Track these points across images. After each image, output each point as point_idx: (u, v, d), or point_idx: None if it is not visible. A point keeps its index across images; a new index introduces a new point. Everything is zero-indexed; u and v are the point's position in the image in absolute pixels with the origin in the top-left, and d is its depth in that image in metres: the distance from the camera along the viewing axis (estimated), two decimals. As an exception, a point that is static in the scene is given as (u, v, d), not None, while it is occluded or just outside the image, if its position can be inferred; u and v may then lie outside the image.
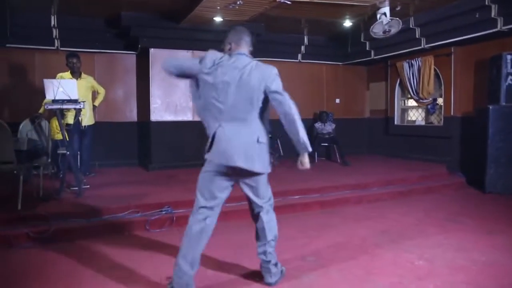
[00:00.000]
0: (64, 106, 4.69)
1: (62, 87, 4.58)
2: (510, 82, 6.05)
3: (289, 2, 5.28)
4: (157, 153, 7.32)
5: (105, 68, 7.65)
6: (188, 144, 7.50)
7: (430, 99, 7.95)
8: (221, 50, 2.69)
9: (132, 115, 7.94)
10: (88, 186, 5.27)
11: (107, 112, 7.56)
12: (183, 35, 7.20)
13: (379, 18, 6.42)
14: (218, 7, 5.79)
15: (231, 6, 5.54)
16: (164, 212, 4.32)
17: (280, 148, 8.27)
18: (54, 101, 4.58)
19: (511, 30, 6.01)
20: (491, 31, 6.15)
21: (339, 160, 8.10)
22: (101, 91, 6.03)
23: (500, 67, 6.06)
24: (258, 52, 8.69)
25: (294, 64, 8.91)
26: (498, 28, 6.04)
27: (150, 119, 7.30)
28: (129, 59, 7.84)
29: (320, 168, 7.42)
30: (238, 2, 5.34)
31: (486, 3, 5.92)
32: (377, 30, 6.51)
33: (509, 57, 6.02)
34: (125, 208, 4.35)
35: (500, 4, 5.88)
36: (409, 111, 8.87)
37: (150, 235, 4.03)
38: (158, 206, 4.46)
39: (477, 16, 6.15)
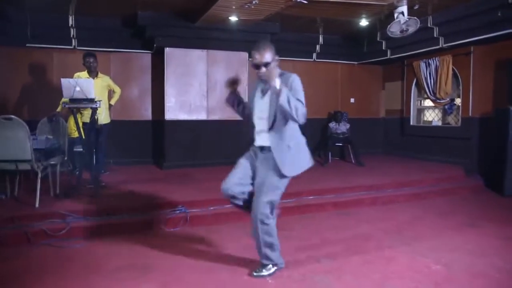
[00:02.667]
0: (81, 105, 4.75)
1: (79, 87, 4.63)
2: (532, 82, 5.88)
3: (305, 1, 5.23)
4: (171, 151, 7.36)
5: (121, 67, 7.72)
6: (202, 143, 7.53)
7: (448, 99, 7.80)
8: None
9: (147, 113, 8.00)
10: (104, 184, 5.33)
11: (123, 110, 7.62)
12: (198, 34, 7.21)
13: (397, 17, 6.31)
14: (234, 7, 5.77)
15: (246, 6, 5.52)
16: (178, 212, 4.34)
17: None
18: (72, 100, 4.64)
19: (533, 29, 5.85)
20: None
21: (353, 160, 8.02)
22: (117, 90, 6.08)
23: (521, 67, 5.91)
24: (276, 51, 8.63)
25: (309, 64, 8.85)
26: (520, 27, 5.89)
27: (165, 117, 7.35)
28: (145, 58, 7.89)
29: (334, 168, 7.36)
30: (253, 2, 5.31)
31: (509, 1, 5.76)
32: (394, 29, 6.40)
33: (530, 57, 5.87)
34: (140, 207, 4.39)
35: (522, 3, 5.73)
36: (426, 111, 8.72)
37: (165, 234, 4.05)
38: (172, 205, 4.48)
39: (499, 14, 5.99)
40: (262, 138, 2.88)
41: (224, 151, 7.61)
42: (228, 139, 7.64)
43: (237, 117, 7.61)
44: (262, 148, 2.89)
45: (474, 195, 6.08)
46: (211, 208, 4.62)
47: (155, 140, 7.96)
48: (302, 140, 2.96)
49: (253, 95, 2.98)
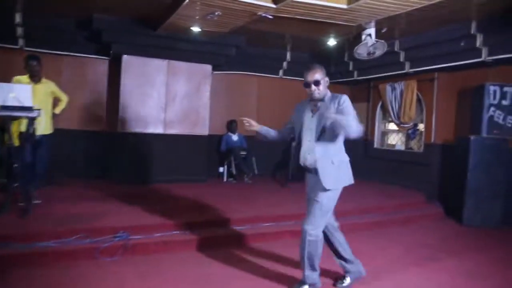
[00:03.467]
0: (15, 113, 4.22)
1: (15, 93, 4.13)
2: (492, 113, 5.91)
3: (270, 17, 5.00)
4: (124, 167, 6.86)
5: (74, 72, 7.17)
6: (158, 158, 7.08)
7: (411, 124, 7.79)
8: None
9: (100, 124, 7.45)
10: (40, 202, 4.78)
11: (73, 119, 7.07)
12: (159, 43, 6.82)
13: (364, 39, 6.21)
14: (197, 17, 5.45)
15: (209, 17, 5.21)
16: (117, 239, 3.88)
17: (255, 165, 7.93)
18: (4, 108, 4.11)
19: (495, 61, 5.89)
20: (475, 60, 6.02)
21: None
22: (64, 98, 5.53)
23: (482, 98, 5.93)
24: (238, 65, 8.48)
25: (275, 80, 8.63)
26: (482, 58, 5.92)
27: (118, 130, 6.85)
28: (101, 64, 7.39)
29: (295, 191, 7.09)
30: (216, 13, 5.01)
31: (472, 32, 5.79)
32: (361, 51, 6.30)
33: (491, 88, 5.90)
34: (74, 231, 3.89)
35: (485, 35, 5.77)
36: (389, 134, 8.70)
37: (100, 264, 3.58)
38: (112, 230, 4.02)
39: (462, 44, 6.02)
40: (309, 155, 3.01)
41: (181, 167, 7.21)
42: (186, 154, 7.24)
43: (196, 132, 7.37)
44: (310, 170, 3.06)
45: (435, 224, 5.99)
46: (157, 235, 4.19)
47: (108, 153, 7.40)
48: (346, 158, 3.13)
49: (301, 114, 3.12)
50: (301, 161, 3.09)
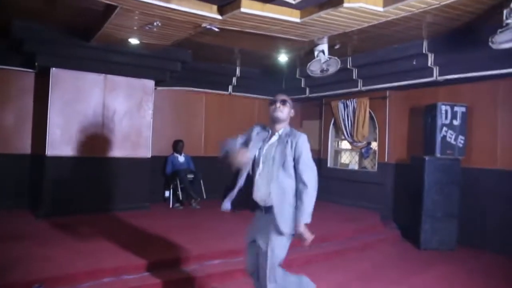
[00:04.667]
0: None
1: None
2: (445, 133, 5.81)
3: (216, 29, 4.52)
4: (51, 195, 5.97)
5: (-9, 87, 6.24)
6: (95, 185, 6.28)
7: (365, 142, 7.62)
8: None
9: (25, 146, 6.51)
10: None
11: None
12: (94, 55, 6.09)
13: (317, 56, 5.93)
14: (134, 27, 4.84)
15: (147, 27, 4.63)
16: (27, 298, 3.14)
17: (203, 189, 7.33)
18: None
19: (446, 80, 5.83)
20: (427, 79, 5.94)
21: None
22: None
23: (435, 117, 5.82)
24: (183, 80, 7.90)
25: (224, 96, 8.14)
26: (434, 78, 5.85)
27: (46, 153, 5.99)
28: (26, 77, 6.49)
29: (246, 219, 6.58)
30: (155, 23, 4.45)
31: (424, 51, 5.68)
32: (314, 68, 5.99)
33: (443, 107, 5.80)
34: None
35: (436, 54, 5.69)
36: (343, 153, 8.49)
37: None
38: (26, 285, 3.26)
39: (414, 63, 5.91)
40: (264, 188, 2.67)
41: (121, 194, 6.47)
42: (126, 180, 6.50)
43: (138, 154, 6.65)
44: (261, 208, 2.72)
45: (393, 248, 5.76)
46: (86, 284, 3.48)
47: (33, 179, 6.47)
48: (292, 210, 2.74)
49: (260, 137, 2.79)
50: (254, 195, 2.72)
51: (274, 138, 2.70)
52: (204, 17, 4.20)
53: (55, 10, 4.84)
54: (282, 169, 2.61)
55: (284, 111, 2.70)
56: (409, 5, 3.75)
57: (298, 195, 2.59)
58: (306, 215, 2.56)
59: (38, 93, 6.50)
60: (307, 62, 6.26)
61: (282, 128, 2.72)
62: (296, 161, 2.60)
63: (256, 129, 2.83)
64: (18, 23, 5.46)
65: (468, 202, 5.75)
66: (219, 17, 4.19)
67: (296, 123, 9.27)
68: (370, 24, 4.43)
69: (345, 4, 3.74)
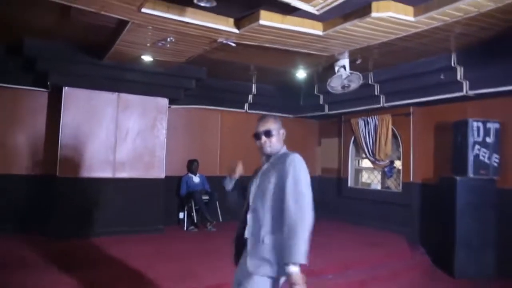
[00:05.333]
0: None
1: None
2: (478, 151, 5.35)
3: (233, 44, 4.24)
4: (62, 218, 5.69)
5: (5, 106, 6.06)
6: (105, 207, 5.98)
7: (387, 161, 7.17)
8: None
9: (37, 168, 6.27)
10: None
11: (2, 162, 5.93)
12: (107, 73, 5.89)
13: (338, 71, 5.60)
14: (148, 44, 4.61)
15: (160, 44, 4.38)
16: None
17: (219, 211, 6.98)
18: None
19: (477, 95, 5.42)
20: (456, 94, 5.52)
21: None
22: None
23: (465, 135, 5.37)
24: (198, 98, 7.64)
25: (240, 114, 7.82)
26: (464, 92, 5.42)
27: (57, 173, 5.75)
28: (39, 97, 6.31)
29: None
30: (168, 39, 4.19)
31: (452, 64, 5.29)
32: (335, 84, 5.66)
33: (475, 124, 5.36)
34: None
35: (466, 67, 5.29)
36: (364, 172, 8.05)
37: None
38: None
39: (442, 77, 5.51)
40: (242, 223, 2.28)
41: (134, 217, 6.15)
42: (139, 202, 6.20)
43: (151, 175, 6.36)
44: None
45: (425, 277, 5.23)
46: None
47: (44, 202, 6.20)
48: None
49: (253, 174, 2.41)
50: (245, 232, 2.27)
51: (265, 166, 2.31)
52: (220, 31, 3.92)
53: (67, 28, 4.65)
54: (262, 197, 2.20)
55: (273, 142, 2.28)
56: (443, 13, 3.39)
57: (285, 228, 2.06)
58: (295, 254, 1.96)
59: (50, 113, 6.30)
60: (325, 78, 5.96)
61: (277, 155, 2.32)
62: (282, 187, 2.11)
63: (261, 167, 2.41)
64: (30, 42, 5.30)
65: (505, 226, 5.24)
66: (236, 31, 3.90)
67: (314, 141, 8.92)
68: (398, 36, 4.08)
69: (373, 14, 3.41)
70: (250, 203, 2.26)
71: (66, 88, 5.80)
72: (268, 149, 2.28)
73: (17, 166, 6.12)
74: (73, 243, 5.36)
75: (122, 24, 4.02)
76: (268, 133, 2.26)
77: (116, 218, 6.04)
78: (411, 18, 3.54)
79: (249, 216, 2.21)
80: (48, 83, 5.71)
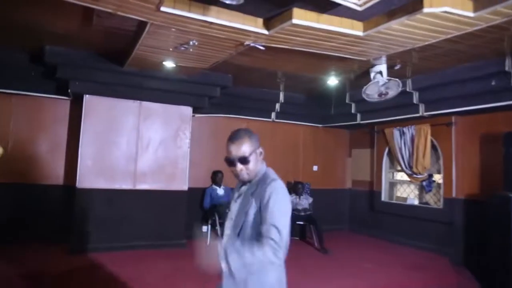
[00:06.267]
0: None
1: None
2: (535, 166, 4.67)
3: (262, 48, 3.79)
4: (82, 231, 5.38)
5: (27, 114, 5.86)
6: (126, 220, 5.64)
7: (426, 174, 6.52)
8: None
9: (58, 176, 6.03)
10: None
11: (24, 171, 5.71)
12: (128, 81, 5.57)
13: (374, 78, 5.06)
14: (169, 48, 4.23)
15: (182, 48, 3.98)
16: None
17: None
18: None
19: (533, 102, 4.75)
20: (510, 102, 4.87)
21: (316, 244, 6.39)
22: (-3, 149, 4.19)
23: (521, 147, 4.72)
24: (224, 107, 7.22)
25: (266, 124, 7.35)
26: (520, 99, 4.77)
27: (77, 185, 5.45)
28: (61, 105, 6.08)
29: (291, 256, 5.65)
30: (191, 43, 3.79)
31: (507, 69, 4.66)
32: (371, 92, 5.12)
33: (531, 135, 4.70)
34: None
35: (521, 72, 4.65)
36: (399, 185, 7.40)
37: None
38: None
39: (493, 83, 4.88)
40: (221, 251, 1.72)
41: (155, 231, 5.78)
42: (161, 215, 5.82)
43: (174, 187, 5.97)
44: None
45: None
46: None
47: (65, 213, 5.92)
48: (272, 269, 1.77)
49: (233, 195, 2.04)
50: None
51: (243, 189, 1.90)
52: (247, 33, 3.48)
53: (88, 34, 4.35)
54: (239, 225, 1.81)
55: (251, 169, 1.84)
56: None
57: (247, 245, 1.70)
58: (232, 260, 1.61)
59: (72, 122, 6.05)
60: (358, 86, 5.44)
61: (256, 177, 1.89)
62: (260, 217, 1.75)
63: (238, 185, 2.00)
64: (51, 49, 5.06)
65: None
66: (265, 32, 3.45)
67: (344, 152, 8.33)
68: (448, 36, 3.52)
69: (425, 9, 2.88)
70: (229, 229, 1.87)
71: (87, 96, 5.52)
72: (245, 176, 1.84)
73: (40, 176, 5.88)
74: (89, 257, 5.05)
75: (142, 26, 3.65)
76: (244, 160, 1.80)
77: (136, 232, 5.69)
78: (470, 14, 2.99)
79: (230, 245, 1.72)
80: (69, 91, 5.43)
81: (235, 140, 1.82)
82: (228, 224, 1.89)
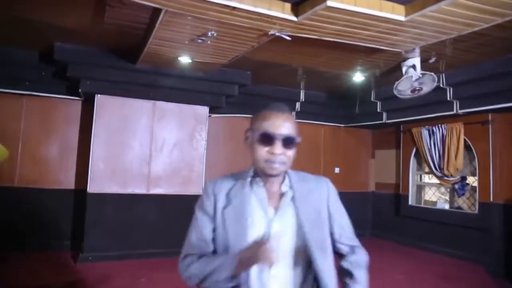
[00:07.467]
0: None
1: None
2: None
3: (288, 38, 3.33)
4: (93, 237, 5.00)
5: (38, 115, 5.51)
6: (139, 226, 5.25)
7: (458, 177, 5.97)
8: None
9: (68, 180, 5.67)
10: None
11: (33, 174, 5.37)
12: (142, 79, 5.17)
13: (406, 72, 4.56)
14: (185, 41, 3.81)
15: (199, 40, 3.56)
16: None
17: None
18: None
19: None
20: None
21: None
22: (1, 152, 3.86)
23: None
24: (242, 106, 6.80)
25: (285, 124, 6.90)
26: None
27: (88, 189, 5.08)
28: (73, 105, 5.71)
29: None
30: (209, 34, 3.36)
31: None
32: (403, 87, 4.62)
33: None
34: None
35: None
36: (427, 189, 6.86)
37: None
38: None
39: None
40: None
41: (168, 237, 5.35)
42: (174, 221, 5.38)
43: (189, 191, 5.55)
44: None
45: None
46: None
47: (76, 219, 5.57)
48: None
49: (238, 213, 1.28)
50: None
51: (288, 197, 1.31)
52: (273, 20, 3.03)
53: (99, 31, 3.99)
54: (320, 250, 1.28)
55: (290, 158, 1.29)
56: None
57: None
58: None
59: (83, 123, 5.69)
60: (385, 83, 4.95)
61: (290, 178, 1.36)
62: (336, 232, 1.35)
63: (219, 192, 1.34)
64: (61, 46, 4.70)
65: None
66: (293, 18, 3.00)
67: (367, 152, 7.81)
68: (506, 18, 3.01)
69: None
70: (281, 264, 1.25)
71: (98, 95, 5.15)
72: (280, 167, 1.27)
73: (51, 180, 5.54)
74: (99, 266, 4.67)
75: (155, 16, 3.24)
76: (289, 142, 1.27)
77: (150, 239, 5.29)
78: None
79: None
80: (80, 90, 5.07)
81: (282, 112, 1.29)
82: (281, 261, 1.23)
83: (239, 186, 1.32)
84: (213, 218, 1.31)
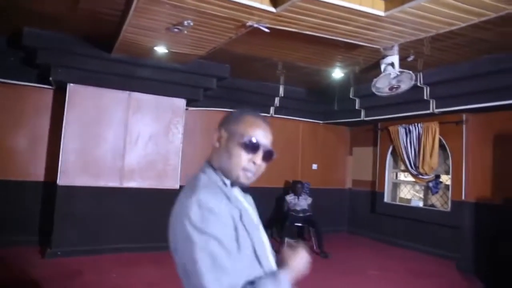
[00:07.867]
0: None
1: None
2: (558, 168, 4.22)
3: (266, 30, 3.25)
4: (62, 232, 4.81)
5: (6, 104, 5.24)
6: (111, 220, 5.08)
7: (432, 175, 6.06)
8: None
9: (38, 173, 5.43)
10: None
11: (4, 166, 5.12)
12: (117, 69, 4.98)
13: (384, 70, 4.55)
14: (161, 30, 3.67)
15: (175, 30, 3.42)
16: None
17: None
18: None
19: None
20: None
21: (315, 247, 5.88)
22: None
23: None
24: (219, 100, 6.68)
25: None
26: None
27: (58, 181, 4.87)
28: (44, 95, 5.46)
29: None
30: (186, 23, 3.22)
31: (531, 61, 4.19)
32: (381, 85, 4.61)
33: (554, 135, 4.24)
34: None
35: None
36: (402, 186, 6.93)
37: None
38: None
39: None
40: None
41: (141, 232, 5.22)
42: (148, 215, 5.25)
43: (165, 185, 5.39)
44: None
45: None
46: None
47: (44, 212, 5.34)
48: None
49: (246, 221, 1.19)
50: None
51: (238, 196, 1.28)
52: (251, 10, 2.94)
53: (72, 17, 3.78)
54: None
55: (262, 169, 1.25)
56: None
57: None
58: None
59: (55, 113, 5.44)
60: (364, 80, 4.94)
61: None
62: None
63: (220, 201, 1.15)
64: (30, 31, 4.46)
65: None
66: (272, 9, 2.91)
67: (345, 150, 7.83)
68: (484, 17, 3.00)
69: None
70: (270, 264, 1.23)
71: (71, 85, 4.93)
72: (252, 178, 1.22)
73: (20, 171, 5.28)
74: (69, 262, 4.49)
75: (130, 1, 3.09)
76: (269, 156, 1.23)
77: (122, 234, 5.13)
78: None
79: None
80: (51, 78, 4.84)
81: (266, 123, 1.25)
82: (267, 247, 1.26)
83: (227, 194, 1.19)
84: (236, 232, 1.14)
